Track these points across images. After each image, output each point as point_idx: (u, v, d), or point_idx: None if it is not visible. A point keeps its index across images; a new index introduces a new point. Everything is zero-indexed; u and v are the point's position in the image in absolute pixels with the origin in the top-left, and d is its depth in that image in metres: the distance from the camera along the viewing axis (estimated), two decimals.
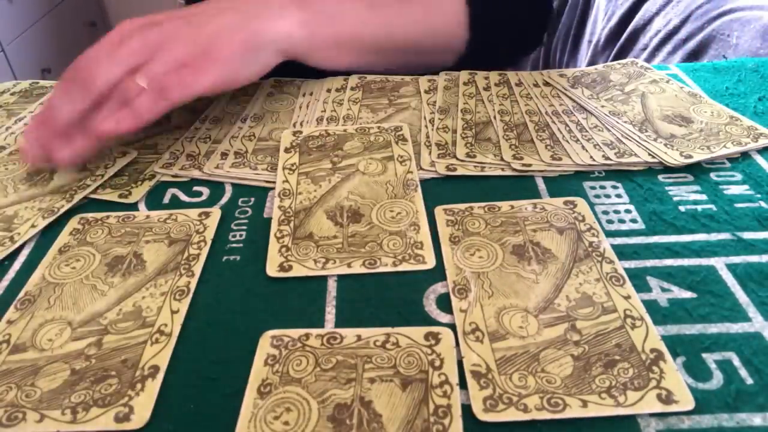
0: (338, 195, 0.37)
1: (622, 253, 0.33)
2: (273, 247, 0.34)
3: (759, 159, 0.39)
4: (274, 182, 0.39)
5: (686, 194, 0.37)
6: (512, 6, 0.55)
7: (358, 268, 0.32)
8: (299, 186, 0.38)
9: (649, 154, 0.39)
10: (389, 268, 0.32)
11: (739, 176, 0.38)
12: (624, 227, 0.34)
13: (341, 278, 0.32)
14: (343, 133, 0.43)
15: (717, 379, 0.26)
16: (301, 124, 0.45)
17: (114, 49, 0.38)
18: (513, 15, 0.56)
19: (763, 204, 0.36)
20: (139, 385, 0.26)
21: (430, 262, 0.32)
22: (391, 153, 0.40)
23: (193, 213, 0.37)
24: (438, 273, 0.32)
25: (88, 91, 0.37)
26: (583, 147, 0.40)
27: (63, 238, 0.35)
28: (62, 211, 0.37)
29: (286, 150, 0.41)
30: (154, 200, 0.38)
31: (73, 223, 0.36)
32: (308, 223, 0.35)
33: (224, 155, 0.41)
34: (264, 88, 0.50)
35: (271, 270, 0.32)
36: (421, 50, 0.52)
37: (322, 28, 0.46)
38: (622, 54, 0.91)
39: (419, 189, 0.37)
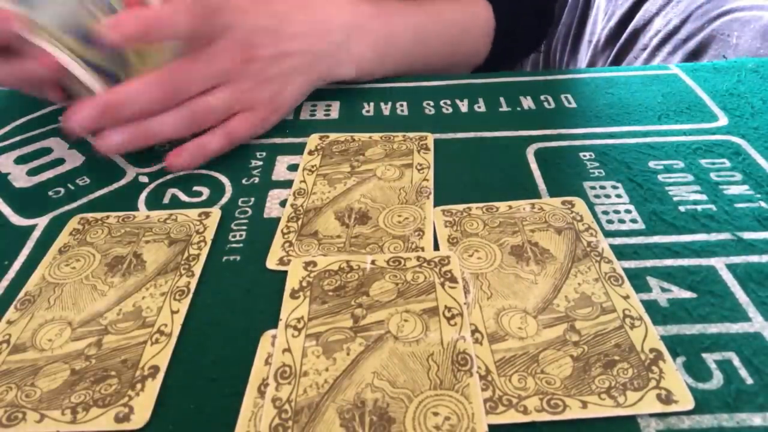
0: (350, 197, 0.37)
1: (622, 253, 0.33)
2: (277, 241, 0.34)
3: (759, 159, 0.39)
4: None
5: (686, 194, 0.37)
6: (526, 17, 0.61)
7: None
8: (315, 187, 0.38)
9: None
10: None
11: (739, 176, 0.38)
12: (624, 227, 0.34)
13: None
14: (368, 140, 0.43)
15: (717, 379, 0.26)
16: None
17: (205, 67, 0.39)
18: (526, 25, 0.61)
19: (763, 204, 0.36)
20: (139, 385, 0.26)
21: None
22: (411, 161, 0.40)
23: (193, 213, 0.37)
24: None
25: (175, 100, 0.39)
26: None
27: (63, 238, 0.35)
28: None
29: (310, 152, 0.42)
30: (154, 200, 0.39)
31: (73, 223, 0.36)
32: (315, 222, 0.35)
33: None
34: None
35: (271, 263, 0.33)
36: (452, 63, 0.57)
37: (387, 54, 0.49)
38: (622, 54, 0.91)
39: (432, 197, 0.37)
